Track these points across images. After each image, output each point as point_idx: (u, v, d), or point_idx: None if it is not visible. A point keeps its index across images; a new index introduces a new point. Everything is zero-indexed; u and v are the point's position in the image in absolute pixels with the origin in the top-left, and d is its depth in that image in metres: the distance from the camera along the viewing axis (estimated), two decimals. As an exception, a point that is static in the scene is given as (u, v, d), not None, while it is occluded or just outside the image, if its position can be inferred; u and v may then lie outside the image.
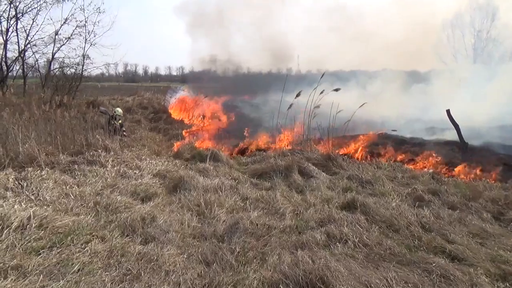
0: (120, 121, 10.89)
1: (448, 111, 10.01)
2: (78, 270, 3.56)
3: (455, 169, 8.41)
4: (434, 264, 3.81)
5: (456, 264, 3.94)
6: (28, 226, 4.26)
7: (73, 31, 16.63)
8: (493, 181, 7.40)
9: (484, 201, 5.90)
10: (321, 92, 9.47)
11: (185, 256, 4.01)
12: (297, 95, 9.83)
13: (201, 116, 16.59)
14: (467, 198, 6.08)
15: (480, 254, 4.16)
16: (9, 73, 16.64)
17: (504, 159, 8.73)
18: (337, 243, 4.35)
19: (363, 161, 9.20)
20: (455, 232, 4.75)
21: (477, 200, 5.97)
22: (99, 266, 3.67)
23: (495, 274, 3.78)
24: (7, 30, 15.72)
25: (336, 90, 9.42)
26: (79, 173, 6.58)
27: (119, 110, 11.37)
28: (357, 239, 4.44)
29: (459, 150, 9.60)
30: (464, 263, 3.98)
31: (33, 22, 15.88)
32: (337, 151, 9.32)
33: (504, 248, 4.32)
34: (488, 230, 4.86)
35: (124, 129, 11.28)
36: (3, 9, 15.54)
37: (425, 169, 8.54)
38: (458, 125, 9.93)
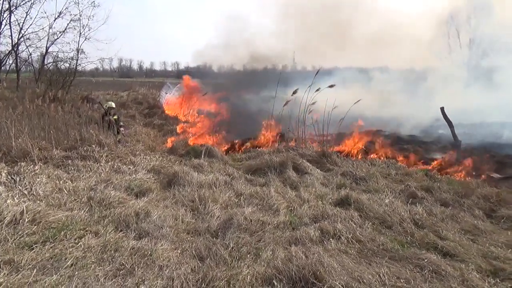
0: (115, 116, 10.47)
1: (442, 109, 10.07)
2: (71, 265, 3.55)
3: (448, 166, 8.47)
4: (426, 260, 3.84)
5: (448, 260, 3.97)
6: (21, 221, 4.24)
7: (67, 25, 16.40)
8: (485, 178, 7.45)
9: (476, 198, 5.94)
10: (317, 90, 9.49)
11: (179, 251, 4.01)
12: (294, 93, 9.84)
13: (196, 112, 16.54)
14: (460, 195, 6.12)
15: (472, 250, 4.20)
16: (2, 67, 16.45)
17: (497, 156, 8.80)
18: (331, 239, 4.37)
19: (358, 158, 9.24)
20: (447, 228, 4.80)
21: (470, 197, 6.01)
22: (93, 261, 3.67)
23: (486, 270, 3.82)
24: (0, 23, 15.52)
25: (331, 86, 9.44)
26: (72, 168, 6.56)
27: (110, 103, 10.70)
28: (351, 235, 4.47)
29: (453, 148, 9.67)
30: (456, 259, 4.02)
31: (26, 15, 15.66)
32: (331, 148, 9.34)
33: (495, 245, 4.37)
34: (479, 227, 4.91)
35: (121, 124, 10.73)
36: (-4, 2, 15.35)
37: (418, 166, 8.59)
38: (452, 123, 9.99)
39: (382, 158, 9.06)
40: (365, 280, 3.41)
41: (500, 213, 5.42)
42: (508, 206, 5.58)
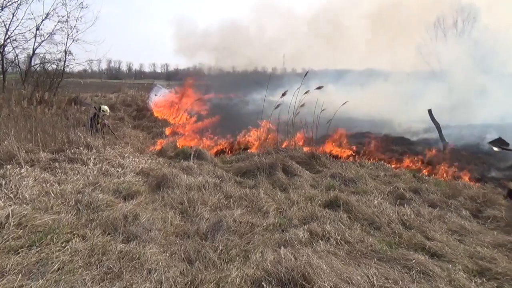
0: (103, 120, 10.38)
1: (429, 111, 10.20)
2: (58, 269, 3.50)
3: (435, 167, 8.56)
4: (414, 261, 3.87)
5: (435, 261, 4.02)
6: (6, 225, 4.17)
7: (55, 26, 16.19)
8: (470, 181, 7.55)
9: (463, 199, 6.01)
10: (306, 92, 9.52)
11: (167, 254, 3.99)
12: (283, 95, 9.86)
13: (186, 115, 16.49)
14: (447, 196, 6.20)
15: (459, 251, 4.25)
16: (-12, 69, 16.18)
17: (483, 158, 8.93)
18: (320, 241, 4.39)
19: (347, 159, 9.29)
20: (435, 229, 4.85)
21: (457, 198, 6.09)
22: (80, 265, 3.62)
23: (472, 270, 3.87)
24: (-15, 24, 15.27)
25: (319, 88, 9.48)
26: (60, 171, 6.47)
27: (105, 108, 10.68)
28: (339, 236, 4.49)
29: (440, 149, 9.79)
30: (443, 260, 4.06)
31: (13, 16, 15.43)
32: (320, 149, 9.37)
33: (481, 245, 4.43)
34: (466, 227, 4.97)
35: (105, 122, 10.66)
36: (-19, 3, 15.11)
37: (407, 168, 8.67)
38: (439, 125, 10.12)
39: (370, 160, 9.12)
40: (354, 281, 3.42)
41: (486, 213, 5.50)
42: (494, 207, 5.66)
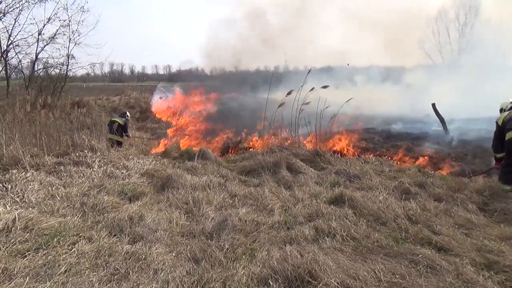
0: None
1: (433, 105, 10.16)
2: (65, 271, 3.51)
3: (441, 162, 8.52)
4: (420, 255, 3.85)
5: (442, 255, 3.98)
6: (13, 228, 4.19)
7: (57, 30, 16.41)
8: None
9: (469, 192, 5.95)
10: (311, 90, 9.50)
11: (173, 254, 3.99)
12: (288, 93, 9.84)
13: (189, 115, 16.52)
14: (453, 190, 6.14)
15: (466, 244, 4.22)
16: (-8, 75, 16.34)
17: (489, 150, 8.86)
18: (326, 237, 4.37)
19: (351, 156, 9.26)
20: (441, 223, 4.81)
21: (463, 191, 6.03)
22: (87, 266, 3.63)
23: (480, 263, 3.83)
24: (-12, 31, 15.42)
25: (324, 87, 9.45)
26: (65, 174, 6.51)
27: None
28: (345, 232, 4.47)
29: (445, 143, 9.74)
30: (450, 254, 4.03)
31: (15, 22, 15.61)
32: (325, 147, 9.36)
33: (488, 238, 4.39)
34: (473, 220, 4.92)
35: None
36: (-16, 10, 15.23)
37: (412, 163, 8.63)
38: (443, 119, 10.08)
39: (374, 155, 9.09)
40: (360, 277, 3.41)
41: (493, 206, 5.45)
42: (500, 199, 5.61)
